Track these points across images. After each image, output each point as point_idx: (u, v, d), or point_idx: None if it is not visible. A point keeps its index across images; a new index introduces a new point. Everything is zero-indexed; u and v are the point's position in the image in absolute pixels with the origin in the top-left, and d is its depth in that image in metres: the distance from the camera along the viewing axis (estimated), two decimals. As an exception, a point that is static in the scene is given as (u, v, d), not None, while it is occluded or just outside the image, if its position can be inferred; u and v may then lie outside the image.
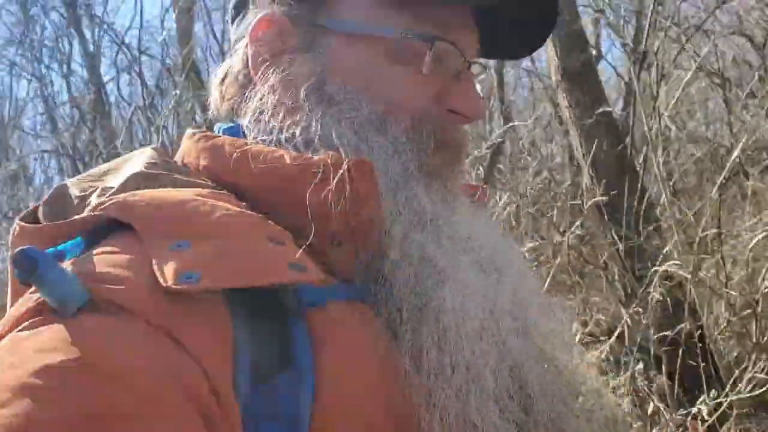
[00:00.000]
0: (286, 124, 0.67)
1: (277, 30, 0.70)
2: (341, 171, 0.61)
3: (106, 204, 0.58)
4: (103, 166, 0.71)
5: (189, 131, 0.73)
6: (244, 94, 0.72)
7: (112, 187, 0.64)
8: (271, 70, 0.69)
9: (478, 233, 0.69)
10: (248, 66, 0.72)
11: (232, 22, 0.77)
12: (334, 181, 0.60)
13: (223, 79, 0.76)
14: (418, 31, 0.67)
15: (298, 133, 0.66)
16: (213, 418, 0.48)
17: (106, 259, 0.54)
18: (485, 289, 0.64)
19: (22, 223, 0.63)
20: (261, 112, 0.69)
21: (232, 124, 0.74)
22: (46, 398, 0.44)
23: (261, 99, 0.69)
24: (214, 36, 7.23)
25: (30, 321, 0.50)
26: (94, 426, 0.43)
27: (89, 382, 0.45)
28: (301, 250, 0.57)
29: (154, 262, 0.52)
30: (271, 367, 0.53)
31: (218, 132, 0.74)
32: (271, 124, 0.68)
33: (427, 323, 0.60)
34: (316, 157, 0.62)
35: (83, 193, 0.64)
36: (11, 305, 0.58)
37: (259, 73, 0.70)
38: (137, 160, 0.68)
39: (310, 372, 0.54)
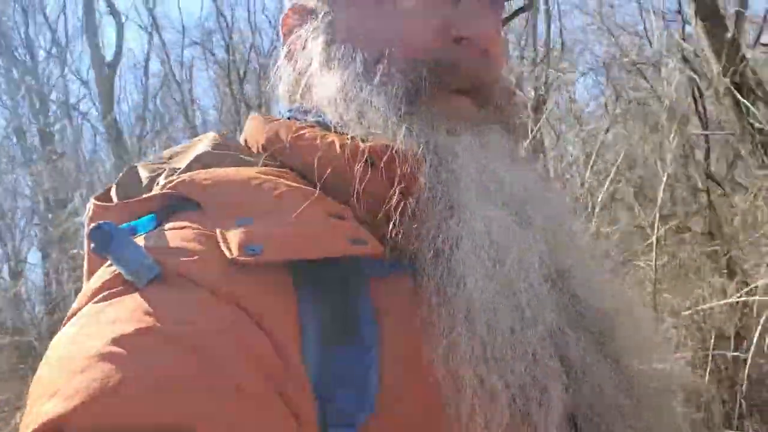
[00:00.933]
0: (331, 107, 0.68)
1: (300, 15, 0.75)
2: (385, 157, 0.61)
3: (175, 182, 0.61)
4: (171, 150, 0.74)
5: (252, 114, 0.76)
6: (295, 78, 0.76)
7: (179, 168, 0.66)
8: (296, 51, 0.74)
9: (497, 166, 0.65)
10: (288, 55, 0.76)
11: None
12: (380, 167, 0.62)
13: (282, 65, 0.78)
14: None
15: (344, 115, 0.67)
16: (282, 383, 0.49)
17: (175, 234, 0.56)
18: (512, 236, 0.61)
19: (97, 202, 0.66)
20: (308, 93, 0.73)
21: (290, 107, 0.76)
22: (121, 364, 0.46)
23: (306, 83, 0.73)
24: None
25: (106, 292, 0.53)
26: (166, 389, 0.45)
27: (161, 349, 0.47)
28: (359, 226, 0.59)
29: (219, 236, 0.55)
30: (337, 336, 0.54)
31: (280, 114, 0.76)
32: (305, 105, 0.72)
33: (440, 270, 0.59)
34: (362, 145, 0.63)
35: (152, 174, 0.67)
36: (87, 279, 0.61)
37: (299, 60, 0.73)
38: (203, 143, 0.71)
39: (375, 343, 0.55)
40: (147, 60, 12.10)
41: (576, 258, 0.66)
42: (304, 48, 0.73)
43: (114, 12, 10.87)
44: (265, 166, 0.66)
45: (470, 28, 0.66)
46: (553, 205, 0.68)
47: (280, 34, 0.77)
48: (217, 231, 0.55)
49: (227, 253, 0.53)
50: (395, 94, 0.64)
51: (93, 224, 0.54)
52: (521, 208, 0.64)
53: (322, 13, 0.72)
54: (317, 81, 0.70)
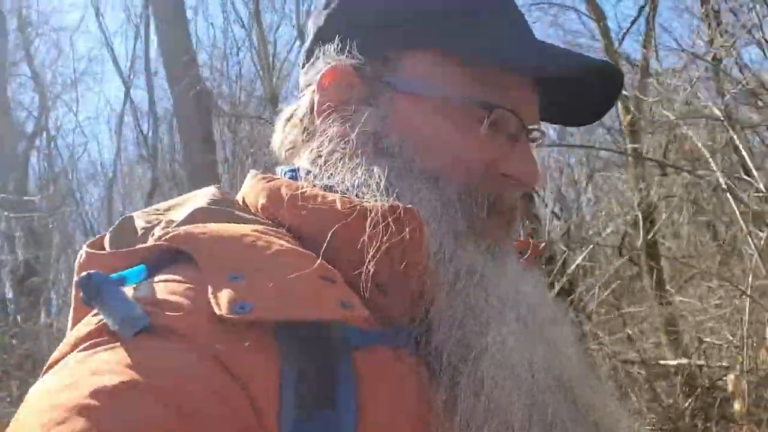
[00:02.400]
0: (342, 171, 0.69)
1: (343, 81, 0.72)
2: (391, 217, 0.62)
3: (170, 234, 0.61)
4: (169, 202, 0.74)
5: (252, 172, 0.76)
6: (305, 138, 0.75)
7: (175, 221, 0.66)
8: (333, 118, 0.72)
9: (524, 291, 0.69)
10: (313, 112, 0.74)
11: (302, 68, 0.80)
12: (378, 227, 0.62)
13: (287, 120, 0.79)
14: (478, 98, 0.69)
15: (352, 180, 0.68)
16: None
17: (166, 286, 0.56)
18: (526, 345, 0.64)
19: (89, 250, 0.66)
20: (319, 157, 0.72)
21: (293, 167, 0.76)
22: (99, 418, 0.45)
23: (320, 145, 0.72)
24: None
25: (90, 342, 0.52)
26: None
27: (140, 403, 0.47)
28: (349, 290, 0.59)
29: (210, 291, 0.55)
30: (315, 403, 0.53)
31: (280, 174, 0.76)
32: (327, 170, 0.70)
33: (466, 371, 0.61)
34: (366, 204, 0.64)
35: (148, 225, 0.67)
36: (72, 326, 0.61)
37: (322, 120, 0.72)
38: (200, 197, 0.71)
39: (352, 412, 0.54)
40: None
41: (574, 367, 0.69)
42: (346, 120, 0.71)
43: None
44: (262, 224, 0.66)
45: (519, 169, 0.71)
46: (559, 323, 0.72)
47: (315, 86, 0.74)
48: (209, 286, 0.55)
49: (216, 309, 0.53)
50: (456, 217, 0.67)
51: (83, 273, 0.54)
52: (538, 324, 0.67)
53: (380, 105, 0.71)
54: (354, 155, 0.69)
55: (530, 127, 0.73)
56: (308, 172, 0.73)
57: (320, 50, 0.75)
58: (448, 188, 0.68)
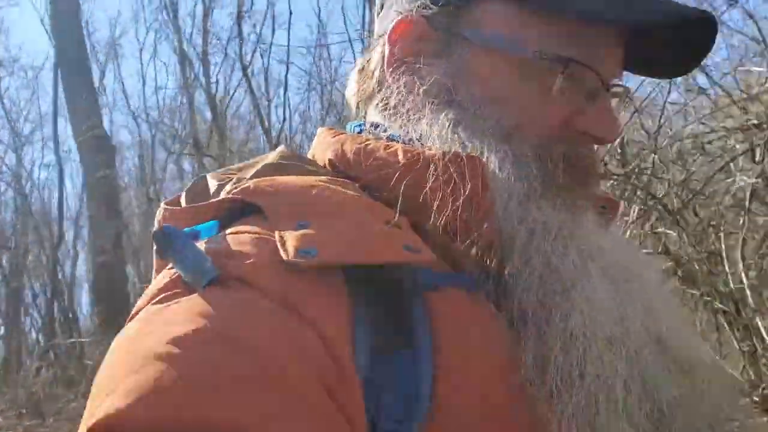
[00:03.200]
0: (411, 123, 0.68)
1: (414, 33, 0.70)
2: (453, 165, 0.61)
3: (239, 188, 0.63)
4: (241, 163, 0.76)
5: (320, 128, 0.77)
6: (375, 90, 0.74)
7: (245, 177, 0.68)
8: (403, 70, 0.70)
9: (606, 244, 0.67)
10: (384, 64, 0.73)
11: (377, 16, 0.78)
12: (444, 176, 0.61)
13: (360, 71, 0.78)
14: (553, 52, 0.66)
15: (421, 132, 0.67)
16: (333, 387, 0.49)
17: (235, 238, 0.58)
18: (615, 299, 0.62)
19: (167, 206, 0.69)
20: (386, 109, 0.71)
21: (361, 122, 0.76)
22: (176, 363, 0.47)
23: (389, 97, 0.71)
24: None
25: (166, 294, 0.54)
26: (219, 389, 0.46)
27: (215, 351, 0.48)
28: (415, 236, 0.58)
29: (277, 239, 0.56)
30: (390, 343, 0.54)
31: (350, 129, 0.76)
32: (396, 123, 0.69)
33: (554, 329, 0.59)
34: (428, 152, 0.63)
35: (221, 182, 0.69)
36: (155, 278, 0.63)
37: (392, 73, 0.71)
38: (271, 155, 0.73)
39: (428, 352, 0.54)
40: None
41: (670, 322, 0.66)
42: (416, 72, 0.69)
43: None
44: (328, 176, 0.67)
45: (596, 126, 0.68)
46: (646, 275, 0.69)
47: (385, 38, 0.72)
48: (276, 233, 0.56)
49: (283, 255, 0.54)
50: (529, 173, 0.65)
51: (156, 228, 0.56)
52: (625, 280, 0.65)
53: (453, 58, 0.69)
54: (423, 107, 0.68)
55: (612, 82, 0.69)
56: (376, 126, 0.72)
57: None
58: (522, 145, 0.65)
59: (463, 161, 0.61)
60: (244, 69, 8.83)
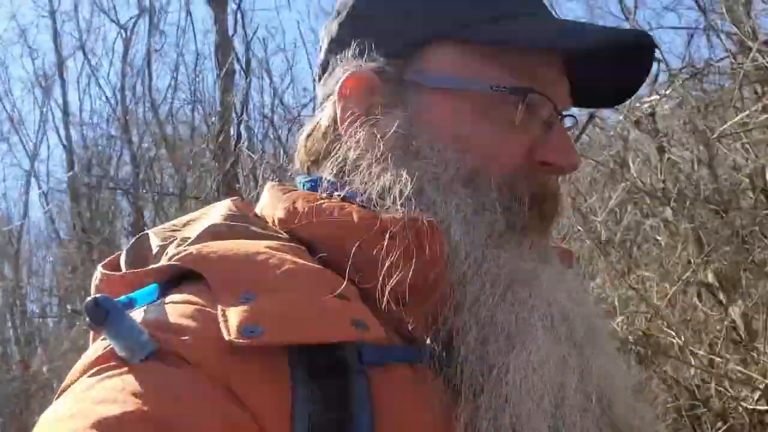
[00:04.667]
0: (369, 179, 0.66)
1: (365, 86, 0.69)
2: (409, 230, 0.60)
3: (181, 254, 0.60)
4: (186, 217, 0.73)
5: (269, 183, 0.75)
6: (330, 149, 0.72)
7: (189, 238, 0.65)
8: (358, 125, 0.68)
9: (561, 296, 0.66)
10: (335, 122, 0.71)
11: (319, 80, 0.77)
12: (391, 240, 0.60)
13: (309, 135, 0.76)
14: (509, 84, 0.66)
15: (377, 188, 0.65)
16: None
17: (174, 308, 0.55)
18: (556, 363, 0.61)
19: (104, 271, 0.65)
20: (343, 167, 0.69)
21: (312, 178, 0.74)
22: None
23: (345, 154, 0.69)
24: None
25: (98, 367, 0.51)
26: None
27: None
28: (365, 307, 0.57)
29: (219, 314, 0.53)
30: (329, 426, 0.52)
31: (300, 185, 0.74)
32: (353, 180, 0.67)
33: (488, 390, 0.58)
34: (384, 216, 0.62)
35: (163, 242, 0.66)
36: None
37: (346, 128, 0.69)
38: (216, 212, 0.70)
39: None
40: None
41: (615, 385, 0.65)
42: (373, 125, 0.68)
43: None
44: (277, 239, 0.65)
45: (557, 155, 0.68)
46: (596, 326, 0.68)
47: (335, 96, 0.71)
48: (219, 308, 0.54)
49: (225, 334, 0.51)
50: (494, 218, 0.65)
51: (89, 298, 0.53)
52: (577, 341, 0.64)
53: (407, 106, 0.68)
54: (383, 160, 0.66)
55: (563, 112, 0.70)
56: (330, 183, 0.70)
57: (336, 59, 0.72)
58: (486, 186, 0.65)
59: (421, 226, 0.60)
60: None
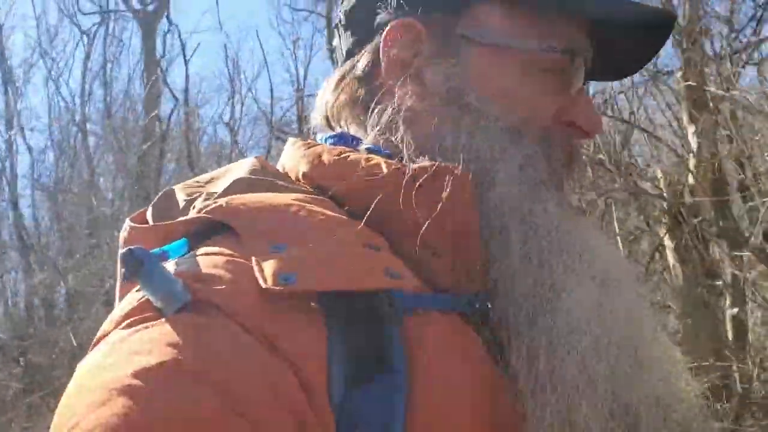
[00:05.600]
0: (417, 131, 0.66)
1: (413, 36, 0.69)
2: (440, 178, 0.60)
3: (210, 207, 0.60)
4: (209, 174, 0.73)
5: (290, 140, 0.74)
6: (367, 99, 0.71)
7: (216, 192, 0.65)
8: (407, 75, 0.68)
9: (596, 246, 0.67)
10: (374, 70, 0.71)
11: (344, 29, 0.75)
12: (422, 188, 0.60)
13: (339, 81, 0.74)
14: (552, 46, 0.68)
15: (426, 140, 0.65)
16: (307, 423, 0.48)
17: (207, 260, 0.55)
18: (602, 303, 0.62)
19: (132, 224, 0.66)
20: (388, 119, 0.68)
21: (336, 134, 0.74)
22: (142, 400, 0.45)
23: (391, 106, 0.68)
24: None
25: (133, 318, 0.52)
26: (185, 429, 0.44)
27: (182, 387, 0.46)
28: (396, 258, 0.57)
29: (254, 264, 0.53)
30: (365, 372, 0.52)
31: (321, 140, 0.74)
32: (397, 132, 0.67)
33: (540, 330, 0.59)
34: (413, 166, 0.62)
35: (189, 197, 0.66)
36: (119, 302, 0.61)
37: (391, 76, 0.69)
38: (240, 168, 0.70)
39: (404, 378, 0.52)
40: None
41: (648, 331, 0.66)
42: (421, 75, 0.68)
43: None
44: (303, 192, 0.65)
45: (584, 117, 0.70)
46: (623, 271, 0.69)
47: (379, 43, 0.70)
48: (253, 258, 0.54)
49: (261, 282, 0.52)
50: (537, 171, 0.66)
51: (125, 248, 0.53)
52: (612, 286, 0.65)
53: (456, 59, 0.68)
54: (434, 112, 0.67)
55: (587, 78, 0.72)
56: (353, 138, 0.70)
57: (371, 7, 0.71)
58: (532, 140, 0.67)
59: (451, 174, 0.61)
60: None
